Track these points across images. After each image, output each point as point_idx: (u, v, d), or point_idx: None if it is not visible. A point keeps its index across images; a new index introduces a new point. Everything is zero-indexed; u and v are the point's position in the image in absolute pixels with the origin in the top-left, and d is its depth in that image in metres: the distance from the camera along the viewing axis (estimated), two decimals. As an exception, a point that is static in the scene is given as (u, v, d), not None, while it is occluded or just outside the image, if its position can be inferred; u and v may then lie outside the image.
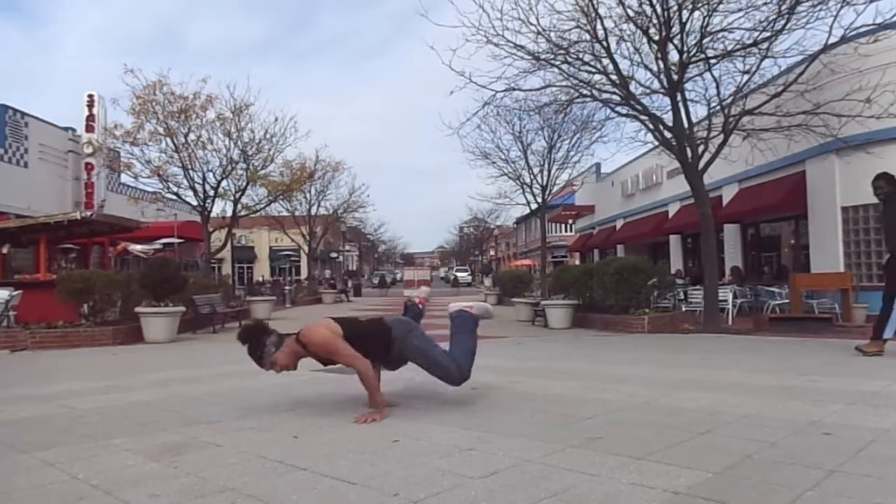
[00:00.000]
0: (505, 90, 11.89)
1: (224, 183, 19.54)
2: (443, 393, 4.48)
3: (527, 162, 22.33)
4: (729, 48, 10.71)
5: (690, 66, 10.84)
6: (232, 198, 20.25)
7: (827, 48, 10.37)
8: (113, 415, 4.30)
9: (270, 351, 3.85)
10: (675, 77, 10.78)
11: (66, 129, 22.89)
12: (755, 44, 10.42)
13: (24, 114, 20.47)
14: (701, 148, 11.06)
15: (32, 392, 5.41)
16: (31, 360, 8.55)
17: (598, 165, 27.57)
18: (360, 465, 2.84)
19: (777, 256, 17.01)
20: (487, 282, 39.48)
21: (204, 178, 19.13)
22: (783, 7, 10.04)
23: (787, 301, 12.24)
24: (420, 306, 4.39)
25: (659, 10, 10.35)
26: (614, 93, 11.56)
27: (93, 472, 2.83)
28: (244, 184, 20.15)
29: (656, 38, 10.62)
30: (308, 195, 30.45)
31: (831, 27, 9.87)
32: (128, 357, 8.56)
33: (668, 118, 11.15)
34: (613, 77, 11.20)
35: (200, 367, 7.37)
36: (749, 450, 2.94)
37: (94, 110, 22.72)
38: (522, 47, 11.10)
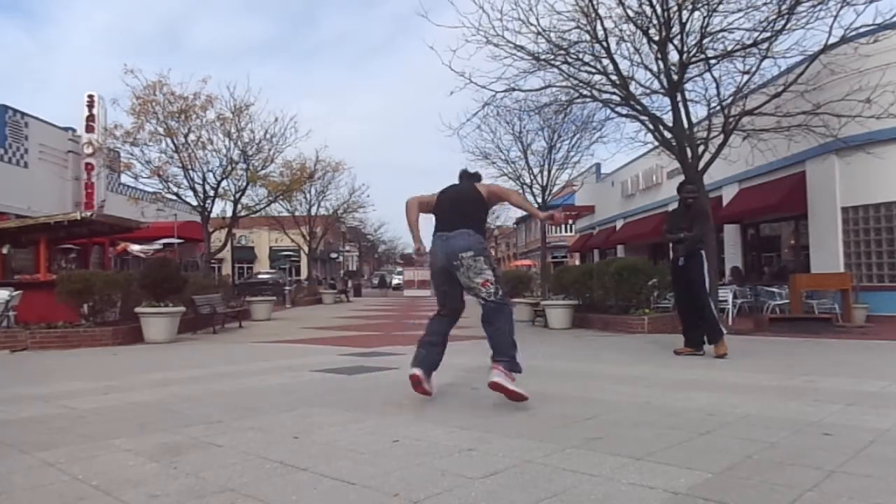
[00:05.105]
0: (505, 90, 11.91)
1: (224, 183, 19.58)
2: (443, 393, 4.48)
3: (527, 162, 22.37)
4: (729, 48, 10.71)
5: (690, 66, 10.83)
6: (232, 198, 20.26)
7: (827, 48, 10.36)
8: (113, 415, 4.30)
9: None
10: (675, 77, 10.77)
11: (66, 129, 22.88)
12: (755, 44, 10.41)
13: (24, 114, 20.47)
14: (701, 148, 11.05)
15: (32, 392, 5.41)
16: (31, 360, 8.54)
17: (598, 166, 27.59)
18: (360, 465, 2.84)
19: (777, 256, 17.02)
20: None
21: (204, 179, 19.15)
22: (783, 7, 10.04)
23: (787, 301, 12.24)
24: None
25: (659, 10, 10.35)
26: (614, 93, 11.56)
27: (93, 472, 2.83)
28: (244, 184, 20.16)
29: (656, 38, 10.62)
30: (308, 195, 30.48)
31: (831, 27, 9.87)
32: (128, 357, 8.56)
33: (668, 118, 11.14)
34: (613, 77, 11.20)
35: (200, 367, 7.37)
36: (749, 450, 2.94)
37: (94, 110, 22.71)
38: (522, 48, 11.12)
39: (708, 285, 7.23)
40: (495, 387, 4.04)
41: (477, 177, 4.84)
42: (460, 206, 4.47)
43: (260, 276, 36.79)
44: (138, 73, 17.84)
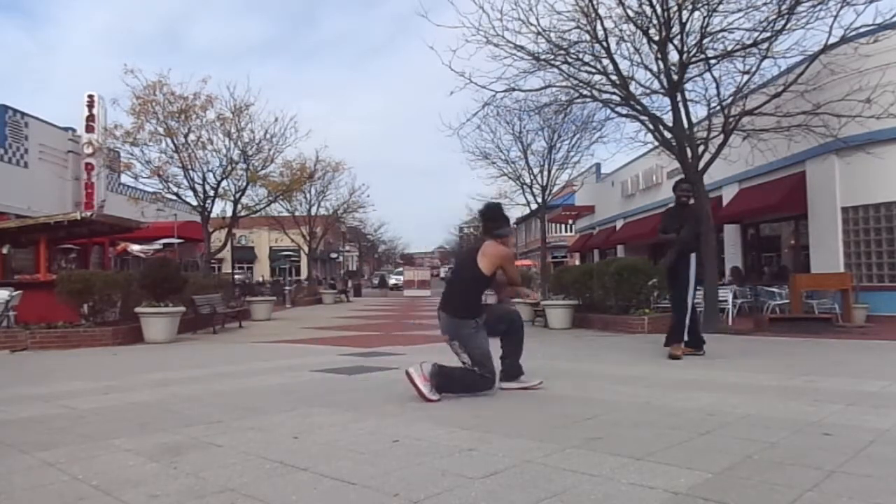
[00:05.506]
0: (505, 90, 11.90)
1: (224, 183, 19.57)
2: (443, 393, 4.48)
3: (527, 162, 22.40)
4: (729, 48, 10.70)
5: (690, 66, 10.82)
6: (232, 198, 20.25)
7: (827, 48, 10.35)
8: (113, 415, 4.30)
9: None
10: (675, 77, 10.77)
11: (66, 129, 22.86)
12: (755, 44, 10.40)
13: (24, 114, 20.45)
14: (701, 148, 11.05)
15: (32, 392, 5.41)
16: (31, 360, 8.54)
17: (598, 166, 27.59)
18: (360, 465, 2.84)
19: (777, 256, 17.01)
20: None
21: (204, 179, 19.15)
22: (783, 7, 10.03)
23: (787, 301, 12.24)
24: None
25: (659, 10, 10.34)
26: (614, 93, 11.55)
27: (93, 472, 2.83)
28: (244, 184, 20.15)
29: (656, 38, 10.62)
30: (308, 195, 30.48)
31: (831, 27, 9.86)
32: (128, 357, 8.56)
33: (668, 118, 11.14)
34: (613, 77, 11.19)
35: (200, 367, 7.38)
36: (749, 450, 2.94)
37: (94, 110, 22.69)
38: (522, 48, 11.11)
39: (691, 287, 7.13)
40: (407, 375, 4.50)
41: (493, 223, 4.94)
42: (453, 277, 5.12)
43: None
44: (138, 73, 17.84)
